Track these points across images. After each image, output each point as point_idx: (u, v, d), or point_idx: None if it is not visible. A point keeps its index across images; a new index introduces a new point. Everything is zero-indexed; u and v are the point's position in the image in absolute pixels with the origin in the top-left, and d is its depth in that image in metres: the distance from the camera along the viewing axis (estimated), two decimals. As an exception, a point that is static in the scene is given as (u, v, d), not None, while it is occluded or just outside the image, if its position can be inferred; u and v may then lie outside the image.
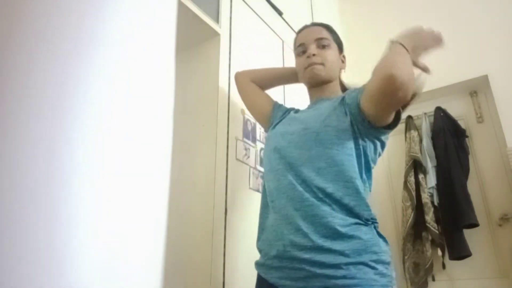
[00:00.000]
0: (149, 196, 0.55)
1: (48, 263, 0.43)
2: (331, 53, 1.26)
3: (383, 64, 0.98)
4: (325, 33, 1.29)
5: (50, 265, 0.43)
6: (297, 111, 1.35)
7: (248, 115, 1.76)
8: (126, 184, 0.53)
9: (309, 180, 1.06)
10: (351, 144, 1.08)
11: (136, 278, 0.52)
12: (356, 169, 1.08)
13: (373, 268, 0.96)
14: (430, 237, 2.43)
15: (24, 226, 0.42)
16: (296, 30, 2.36)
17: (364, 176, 1.10)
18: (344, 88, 1.33)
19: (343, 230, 0.99)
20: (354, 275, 0.94)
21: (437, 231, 2.39)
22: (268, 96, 1.47)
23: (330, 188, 1.04)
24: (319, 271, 0.97)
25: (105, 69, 0.53)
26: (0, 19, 0.47)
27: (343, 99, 1.16)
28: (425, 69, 1.07)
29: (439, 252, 2.41)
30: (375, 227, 1.07)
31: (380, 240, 1.04)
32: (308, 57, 1.24)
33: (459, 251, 2.32)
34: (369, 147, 1.12)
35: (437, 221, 2.43)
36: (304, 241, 1.01)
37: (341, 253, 0.97)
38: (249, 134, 1.75)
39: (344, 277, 0.94)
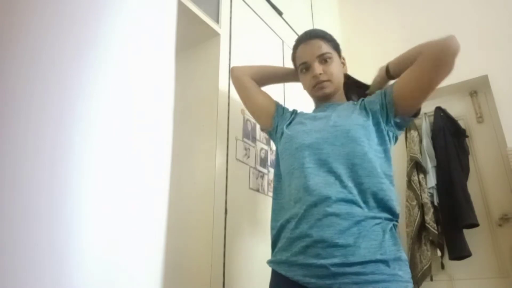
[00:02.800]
0: (149, 196, 0.55)
1: (49, 263, 0.43)
2: (334, 65, 1.28)
3: (432, 42, 1.12)
4: (324, 47, 1.28)
5: (52, 265, 0.43)
6: (303, 113, 1.36)
7: (248, 115, 1.76)
8: (127, 184, 0.53)
9: (344, 176, 1.08)
10: (378, 142, 1.15)
11: (136, 278, 0.52)
12: (385, 166, 1.14)
13: (398, 265, 1.02)
14: (430, 238, 2.43)
15: (26, 226, 0.42)
16: (296, 30, 2.38)
17: (391, 171, 1.16)
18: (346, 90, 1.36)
19: (372, 230, 1.03)
20: (382, 271, 0.98)
21: (436, 231, 2.39)
22: (268, 95, 1.45)
23: (365, 184, 1.07)
24: (348, 269, 0.98)
25: (105, 69, 0.53)
26: (2, 21, 0.47)
27: (361, 103, 1.23)
28: None
29: (438, 253, 2.41)
30: (394, 225, 1.11)
31: (399, 240, 1.09)
32: (315, 76, 1.26)
33: (459, 251, 2.32)
34: (390, 143, 1.20)
35: (436, 221, 2.43)
36: (335, 237, 1.01)
37: (369, 251, 1.00)
38: (249, 134, 1.75)
39: (373, 272, 0.98)
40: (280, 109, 1.39)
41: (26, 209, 0.43)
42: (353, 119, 1.16)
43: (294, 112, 1.38)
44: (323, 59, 1.27)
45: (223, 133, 1.60)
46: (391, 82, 1.26)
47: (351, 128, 1.13)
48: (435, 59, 1.10)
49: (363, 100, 1.25)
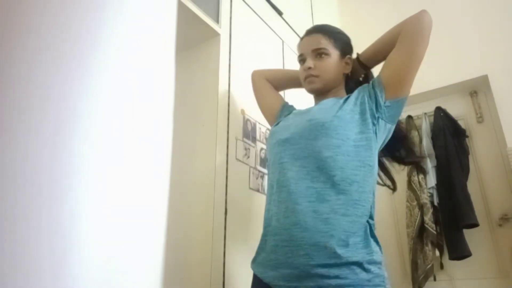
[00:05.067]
0: (149, 196, 0.55)
1: (49, 263, 0.43)
2: (328, 62, 1.26)
3: (407, 19, 1.20)
4: (323, 42, 1.27)
5: (52, 265, 0.43)
6: (299, 110, 1.37)
7: (248, 115, 1.76)
8: (127, 184, 0.53)
9: (316, 170, 1.06)
10: (359, 131, 1.11)
11: (136, 278, 0.52)
12: (365, 154, 1.09)
13: (365, 268, 0.97)
14: (430, 238, 2.44)
15: (26, 226, 0.42)
16: (296, 30, 2.38)
17: (372, 161, 1.11)
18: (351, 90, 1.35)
19: (343, 235, 0.99)
20: (346, 275, 0.95)
21: (434, 232, 2.39)
22: (279, 96, 1.51)
23: (337, 176, 1.04)
24: (312, 271, 0.96)
25: (105, 69, 0.53)
26: (2, 21, 0.47)
27: (349, 97, 1.20)
28: None
29: (437, 253, 2.41)
30: (370, 226, 1.06)
31: (372, 240, 1.04)
32: (305, 69, 1.27)
33: (459, 251, 2.32)
34: (377, 131, 1.14)
35: (435, 221, 2.44)
36: (301, 236, 1.00)
37: (335, 254, 0.97)
38: (249, 134, 1.75)
39: (337, 277, 0.95)
40: (284, 107, 1.41)
41: (25, 209, 0.43)
42: (329, 111, 1.14)
43: (294, 108, 1.40)
44: (318, 54, 1.26)
45: (223, 133, 1.60)
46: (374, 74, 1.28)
47: (326, 121, 1.11)
48: (417, 33, 1.15)
49: (349, 96, 1.21)
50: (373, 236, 1.06)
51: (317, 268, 0.96)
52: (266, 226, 1.13)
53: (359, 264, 0.97)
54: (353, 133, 1.10)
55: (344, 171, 1.05)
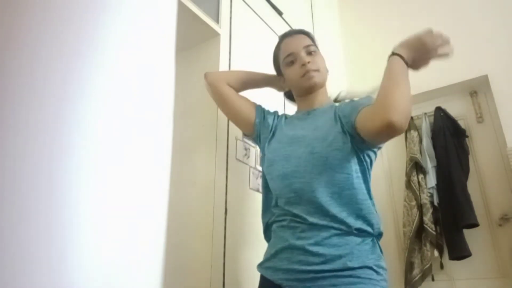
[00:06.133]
0: (149, 196, 0.55)
1: (48, 263, 0.43)
2: (320, 58, 1.28)
3: (383, 105, 0.98)
4: (308, 40, 1.30)
5: (51, 265, 0.43)
6: (286, 117, 1.33)
7: (248, 115, 1.76)
8: (126, 184, 0.53)
9: (324, 206, 1.06)
10: (356, 166, 1.10)
11: (136, 278, 0.51)
12: (364, 190, 1.10)
13: (376, 271, 1.03)
14: (429, 238, 2.44)
15: (25, 226, 0.42)
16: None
17: (371, 192, 1.13)
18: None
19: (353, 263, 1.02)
20: (359, 274, 1.00)
21: (434, 232, 2.39)
22: (248, 101, 1.39)
23: (345, 212, 1.06)
24: (328, 274, 1.00)
25: (105, 68, 0.53)
26: (1, 20, 0.47)
27: (335, 113, 1.17)
28: (445, 55, 1.12)
29: (435, 253, 2.42)
30: (377, 241, 1.11)
31: (378, 247, 1.10)
32: (303, 65, 1.23)
33: (459, 251, 2.32)
34: (369, 162, 1.15)
35: (435, 221, 2.44)
36: (317, 249, 1.04)
37: (349, 259, 1.02)
38: (249, 134, 1.75)
39: (350, 276, 0.99)
40: (260, 115, 1.34)
41: (24, 209, 0.43)
42: (331, 144, 1.10)
43: (275, 117, 1.34)
44: (309, 51, 1.26)
45: (223, 133, 1.60)
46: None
47: (328, 156, 1.09)
48: (378, 134, 1.01)
49: (335, 112, 1.18)
50: (379, 246, 1.11)
51: (331, 272, 1.01)
52: (282, 243, 1.12)
53: (370, 268, 1.02)
54: (355, 164, 1.10)
55: (349, 206, 1.07)
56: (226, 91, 1.37)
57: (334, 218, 1.05)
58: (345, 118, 1.12)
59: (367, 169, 1.13)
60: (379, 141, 1.10)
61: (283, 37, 1.35)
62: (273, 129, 1.29)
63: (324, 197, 1.07)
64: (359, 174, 1.11)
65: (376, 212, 1.12)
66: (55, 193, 0.45)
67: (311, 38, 1.33)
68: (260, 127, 1.32)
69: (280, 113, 1.39)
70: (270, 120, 1.32)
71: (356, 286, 0.98)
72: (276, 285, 1.07)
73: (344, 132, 1.11)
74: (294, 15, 2.45)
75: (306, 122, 1.23)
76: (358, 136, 1.08)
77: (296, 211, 1.10)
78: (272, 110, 1.39)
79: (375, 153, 1.17)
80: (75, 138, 0.48)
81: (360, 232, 1.06)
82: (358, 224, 1.06)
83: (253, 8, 2.06)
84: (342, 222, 1.05)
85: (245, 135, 1.45)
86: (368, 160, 1.14)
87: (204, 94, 1.69)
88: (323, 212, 1.06)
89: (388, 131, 0.96)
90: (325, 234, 1.04)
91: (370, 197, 1.12)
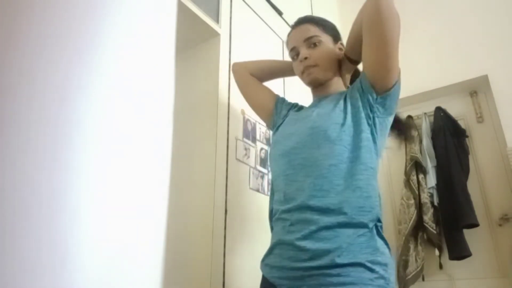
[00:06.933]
0: (149, 196, 0.55)
1: (49, 263, 0.43)
2: (323, 49, 1.23)
3: (362, 8, 1.08)
4: (313, 30, 1.24)
5: (52, 265, 0.43)
6: (300, 108, 1.33)
7: (248, 115, 1.76)
8: (126, 184, 0.53)
9: (320, 179, 1.04)
10: (358, 139, 1.07)
11: (136, 278, 0.52)
12: (367, 156, 1.07)
13: (369, 268, 0.96)
14: (426, 237, 2.44)
15: (26, 226, 0.42)
16: (296, 30, 2.38)
17: (374, 163, 1.09)
18: (352, 78, 1.31)
19: (344, 244, 0.98)
20: (349, 273, 0.94)
21: (434, 231, 2.39)
22: (270, 91, 1.42)
23: (341, 186, 1.03)
24: (316, 272, 0.96)
25: (105, 68, 0.53)
26: (1, 20, 0.47)
27: (345, 96, 1.16)
28: None
29: (436, 252, 2.42)
30: (377, 228, 1.05)
31: (379, 240, 1.03)
32: (301, 61, 1.22)
33: (459, 251, 2.32)
34: (376, 131, 1.11)
35: (436, 221, 2.44)
36: (305, 243, 1.00)
37: (335, 261, 0.96)
38: (249, 134, 1.75)
39: (339, 275, 0.94)
40: (279, 106, 1.35)
41: (25, 209, 0.43)
42: (332, 118, 1.10)
43: (291, 108, 1.34)
44: (311, 43, 1.22)
45: (223, 133, 1.60)
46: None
47: (328, 128, 1.08)
48: (377, 24, 1.04)
49: (347, 93, 1.18)
50: (381, 237, 1.04)
51: (319, 269, 0.96)
52: (275, 238, 1.12)
53: (361, 265, 0.96)
54: (354, 137, 1.08)
55: (347, 178, 1.03)
56: (246, 80, 1.44)
57: (330, 191, 1.02)
58: (354, 87, 1.14)
59: (372, 146, 1.09)
60: (378, 47, 1.06)
61: (291, 29, 1.33)
62: (285, 117, 1.30)
63: (321, 170, 1.05)
64: (364, 143, 1.07)
65: (378, 188, 1.08)
66: (55, 193, 0.45)
67: (319, 23, 1.27)
68: (276, 119, 1.33)
69: (300, 105, 1.37)
70: (285, 110, 1.33)
71: (345, 287, 0.93)
72: (272, 284, 1.06)
73: (348, 105, 1.12)
74: (294, 15, 2.45)
75: (314, 107, 1.23)
76: (372, 91, 1.09)
77: (291, 189, 1.08)
78: (294, 102, 1.38)
79: (388, 121, 1.15)
80: (76, 138, 0.48)
81: (352, 219, 1.00)
82: (352, 200, 1.01)
83: (253, 8, 2.06)
84: (339, 194, 1.01)
85: (268, 128, 1.45)
86: (377, 134, 1.11)
87: (204, 94, 1.69)
88: (317, 186, 1.03)
89: (379, 16, 1.02)
90: (313, 227, 1.00)
91: (372, 170, 1.07)
